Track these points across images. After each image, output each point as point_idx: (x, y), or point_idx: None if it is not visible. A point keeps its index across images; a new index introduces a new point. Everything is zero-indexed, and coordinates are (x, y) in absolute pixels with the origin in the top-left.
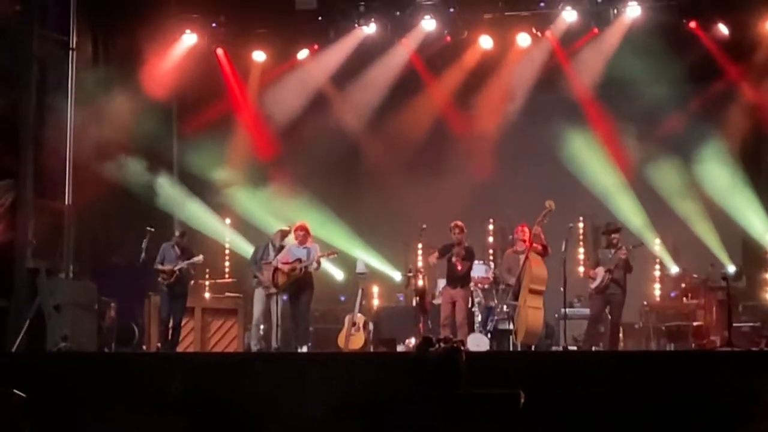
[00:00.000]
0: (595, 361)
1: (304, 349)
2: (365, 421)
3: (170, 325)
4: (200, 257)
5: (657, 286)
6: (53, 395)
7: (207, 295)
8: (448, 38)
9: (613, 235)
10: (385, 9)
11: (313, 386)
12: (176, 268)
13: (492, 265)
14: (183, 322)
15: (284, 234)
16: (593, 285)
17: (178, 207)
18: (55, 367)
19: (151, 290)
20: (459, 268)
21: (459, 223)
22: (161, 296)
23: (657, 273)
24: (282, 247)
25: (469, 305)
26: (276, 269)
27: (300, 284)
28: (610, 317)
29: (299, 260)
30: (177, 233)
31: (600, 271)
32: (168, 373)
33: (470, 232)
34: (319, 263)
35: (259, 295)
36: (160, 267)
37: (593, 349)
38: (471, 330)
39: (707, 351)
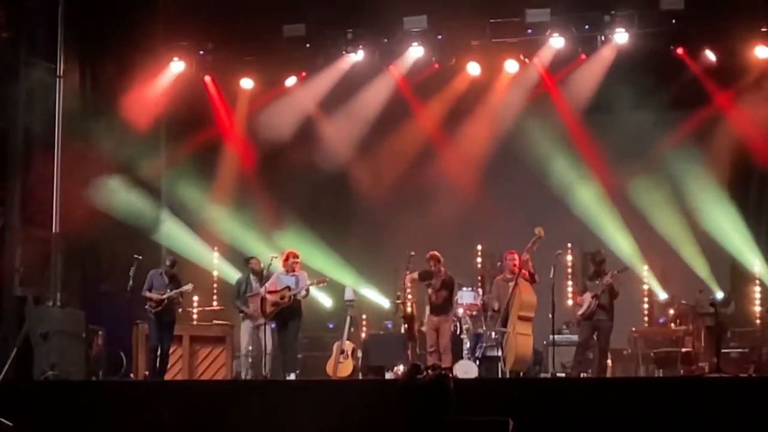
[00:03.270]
0: (583, 387)
1: (292, 376)
2: None
3: (158, 353)
4: (190, 286)
5: (645, 312)
6: (41, 424)
7: (195, 322)
8: (436, 65)
9: (600, 265)
10: (373, 36)
11: (302, 414)
12: (165, 297)
13: (480, 291)
14: (171, 350)
15: (256, 261)
16: (580, 311)
17: (165, 234)
18: (43, 395)
19: (139, 318)
20: (434, 299)
21: (434, 253)
22: (149, 324)
23: (645, 299)
24: (264, 277)
25: (458, 332)
26: (263, 298)
27: (288, 312)
28: (598, 343)
29: (288, 288)
30: (168, 262)
31: (587, 297)
32: (157, 401)
33: (458, 259)
34: (307, 291)
35: (246, 326)
36: (147, 294)
37: (582, 375)
38: (459, 357)
39: (696, 377)
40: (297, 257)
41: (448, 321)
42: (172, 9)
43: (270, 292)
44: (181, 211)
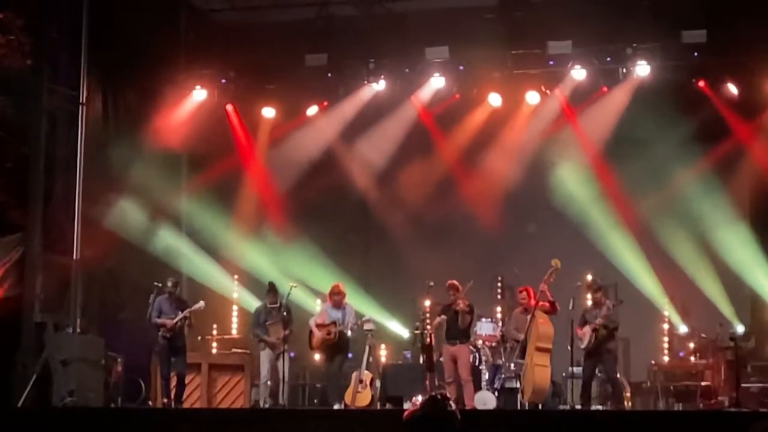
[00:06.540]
0: (602, 420)
1: (337, 405)
2: None
3: (174, 380)
4: (201, 303)
5: (665, 345)
6: None
7: (214, 350)
8: (458, 96)
9: (596, 293)
10: (394, 66)
11: None
12: (177, 319)
13: (500, 323)
14: (189, 378)
15: (273, 288)
16: (582, 345)
17: (185, 262)
18: (62, 422)
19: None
20: (459, 323)
21: (452, 282)
22: (159, 352)
23: (665, 332)
24: (282, 306)
25: (476, 362)
26: (311, 331)
27: (335, 347)
28: (605, 375)
29: (334, 323)
30: (169, 284)
31: (587, 331)
32: (175, 428)
33: (478, 290)
34: (353, 329)
35: (265, 355)
36: (159, 321)
37: (601, 408)
38: (478, 388)
39: (715, 411)
40: (342, 291)
41: (467, 349)
42: (194, 37)
43: (318, 325)
44: (201, 239)
